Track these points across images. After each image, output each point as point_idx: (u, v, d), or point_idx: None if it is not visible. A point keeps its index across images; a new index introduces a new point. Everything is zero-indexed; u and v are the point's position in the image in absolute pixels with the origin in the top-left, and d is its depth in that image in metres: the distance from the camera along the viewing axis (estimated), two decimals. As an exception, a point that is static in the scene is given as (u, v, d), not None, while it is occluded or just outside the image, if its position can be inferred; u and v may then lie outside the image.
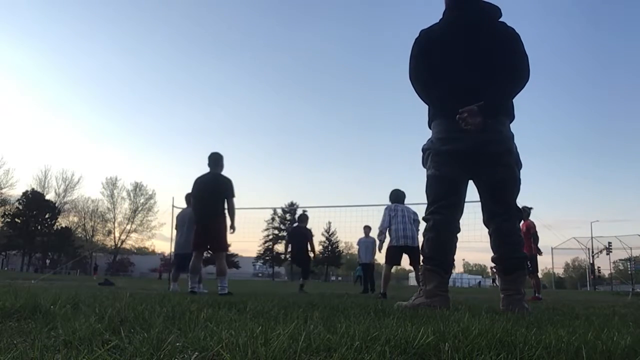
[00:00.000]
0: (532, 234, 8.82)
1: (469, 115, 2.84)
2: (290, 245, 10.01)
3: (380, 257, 9.42)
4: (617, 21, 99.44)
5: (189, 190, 6.15)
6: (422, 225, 3.18)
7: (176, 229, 7.98)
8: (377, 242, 7.07)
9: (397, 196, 7.20)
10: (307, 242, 9.74)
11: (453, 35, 3.06)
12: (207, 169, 6.09)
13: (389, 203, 7.16)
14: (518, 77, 2.97)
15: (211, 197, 5.91)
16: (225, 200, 5.93)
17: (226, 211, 5.97)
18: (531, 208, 9.02)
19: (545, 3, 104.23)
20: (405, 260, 7.12)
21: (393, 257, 6.89)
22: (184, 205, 8.13)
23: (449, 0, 3.16)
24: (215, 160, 6.06)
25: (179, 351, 1.10)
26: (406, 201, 7.21)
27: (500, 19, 3.11)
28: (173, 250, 8.18)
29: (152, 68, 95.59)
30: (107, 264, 62.50)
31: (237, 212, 6.01)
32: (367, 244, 10.64)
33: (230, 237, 6.05)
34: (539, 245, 9.04)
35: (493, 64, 3.00)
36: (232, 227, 6.01)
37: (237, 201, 6.01)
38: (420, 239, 6.91)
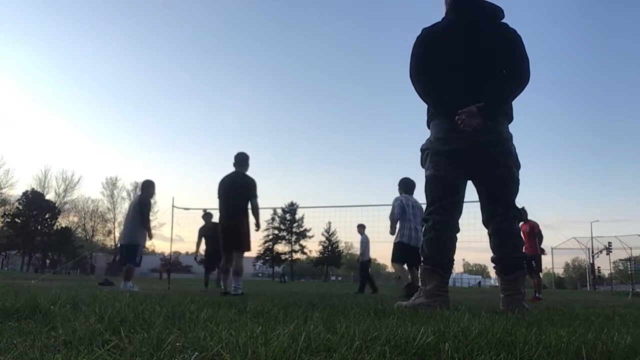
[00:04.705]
0: (536, 233, 8.83)
1: (467, 117, 2.84)
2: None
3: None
4: (618, 20, 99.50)
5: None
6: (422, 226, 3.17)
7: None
8: (403, 237, 6.46)
9: (407, 185, 6.73)
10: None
11: (454, 35, 3.06)
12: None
13: (398, 194, 6.76)
14: (518, 79, 2.97)
15: (233, 196, 5.93)
16: (249, 200, 5.93)
17: (250, 211, 5.97)
18: (522, 207, 8.95)
19: (545, 2, 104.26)
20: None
21: (403, 254, 6.49)
22: (184, 205, 8.24)
23: (451, 0, 3.16)
24: (241, 160, 6.10)
25: (179, 351, 1.10)
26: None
27: (503, 20, 3.11)
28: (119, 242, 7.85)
29: (152, 68, 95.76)
30: (107, 264, 62.48)
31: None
32: (366, 242, 10.69)
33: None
34: (542, 245, 9.05)
35: (494, 65, 3.00)
36: (257, 224, 6.04)
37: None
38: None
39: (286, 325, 1.46)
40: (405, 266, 6.66)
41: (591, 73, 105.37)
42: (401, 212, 6.54)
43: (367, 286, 10.50)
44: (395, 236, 6.66)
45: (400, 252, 6.56)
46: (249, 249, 6.01)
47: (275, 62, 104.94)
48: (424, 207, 3.37)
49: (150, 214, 7.76)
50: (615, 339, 1.36)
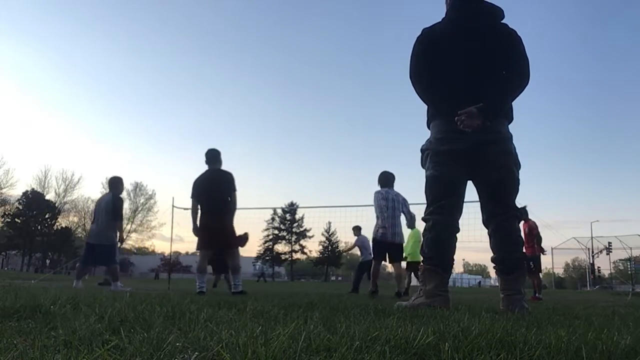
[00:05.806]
0: (534, 235, 8.80)
1: (467, 117, 2.85)
2: None
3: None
4: (618, 20, 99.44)
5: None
6: (421, 225, 3.18)
7: (92, 216, 7.52)
8: (380, 233, 6.74)
9: (386, 179, 6.92)
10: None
11: (454, 35, 3.06)
12: (204, 169, 5.96)
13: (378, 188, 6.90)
14: (518, 80, 2.97)
15: (217, 195, 5.78)
16: (230, 195, 5.82)
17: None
18: (524, 206, 8.93)
19: (545, 2, 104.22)
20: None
21: (380, 252, 6.77)
22: (184, 205, 8.17)
23: (451, 0, 3.16)
24: (213, 156, 5.95)
25: (179, 351, 1.10)
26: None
27: (503, 20, 3.11)
28: (87, 239, 7.43)
29: (152, 68, 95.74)
30: (107, 264, 62.39)
31: (237, 211, 5.95)
32: (364, 242, 10.66)
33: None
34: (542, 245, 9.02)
35: (493, 65, 3.00)
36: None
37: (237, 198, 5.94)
38: (406, 232, 6.93)
39: (286, 325, 1.46)
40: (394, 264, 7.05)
41: (592, 73, 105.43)
42: (381, 205, 6.73)
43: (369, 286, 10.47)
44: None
45: (375, 249, 6.86)
46: (241, 245, 6.05)
47: (276, 61, 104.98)
48: (422, 206, 3.38)
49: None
50: (615, 339, 1.36)
